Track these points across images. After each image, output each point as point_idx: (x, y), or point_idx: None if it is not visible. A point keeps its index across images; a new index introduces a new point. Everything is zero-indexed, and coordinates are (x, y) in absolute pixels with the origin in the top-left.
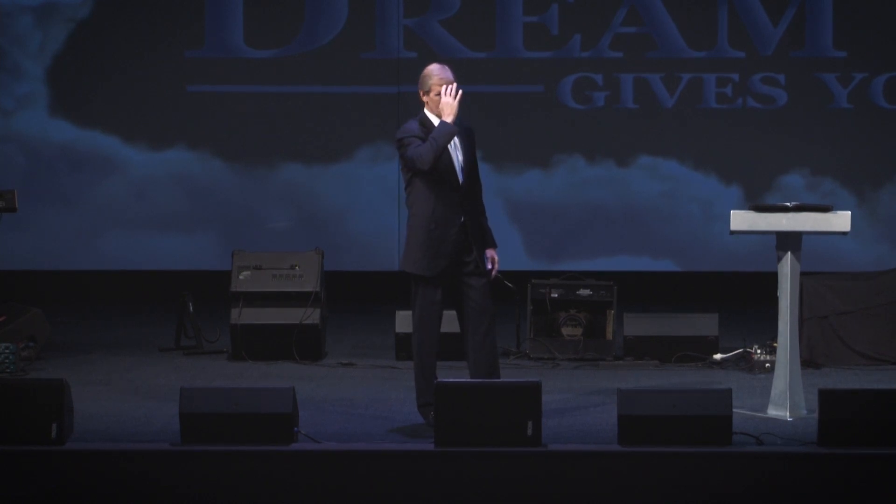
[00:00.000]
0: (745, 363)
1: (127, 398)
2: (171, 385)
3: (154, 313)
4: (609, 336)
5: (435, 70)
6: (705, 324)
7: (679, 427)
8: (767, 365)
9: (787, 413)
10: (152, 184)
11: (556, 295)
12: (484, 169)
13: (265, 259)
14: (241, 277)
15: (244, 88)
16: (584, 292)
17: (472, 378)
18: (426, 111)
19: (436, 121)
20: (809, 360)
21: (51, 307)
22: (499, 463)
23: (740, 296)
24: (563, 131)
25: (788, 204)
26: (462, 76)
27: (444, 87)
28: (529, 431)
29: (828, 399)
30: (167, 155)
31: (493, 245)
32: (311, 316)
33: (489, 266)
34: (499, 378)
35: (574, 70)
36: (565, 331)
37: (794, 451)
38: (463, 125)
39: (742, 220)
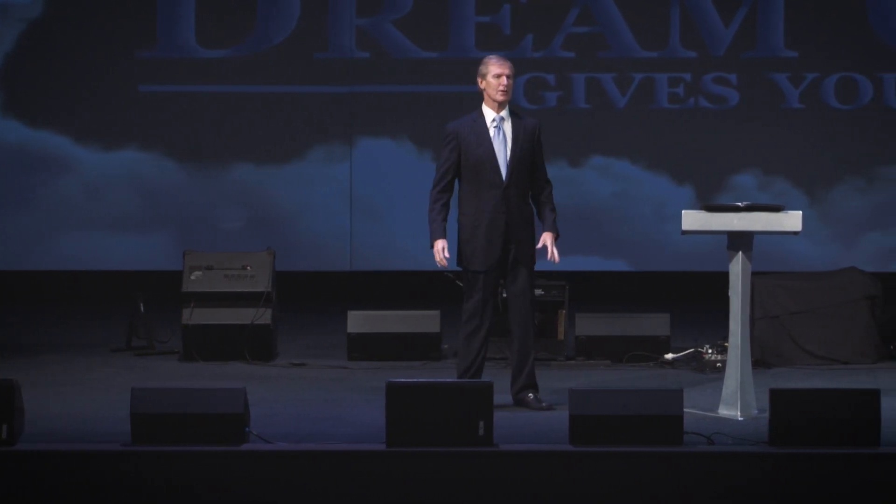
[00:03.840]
0: (696, 363)
1: (78, 399)
2: (123, 385)
3: (106, 314)
4: (561, 336)
5: (493, 57)
6: (657, 324)
7: (630, 427)
8: (718, 365)
9: (739, 413)
10: (104, 184)
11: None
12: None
13: (217, 259)
14: (192, 278)
15: (196, 88)
16: (536, 292)
17: (511, 366)
18: (483, 105)
19: (488, 114)
20: (761, 359)
21: (2, 307)
22: (450, 463)
23: (692, 296)
24: None
25: (740, 204)
26: (414, 76)
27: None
28: (481, 431)
29: (779, 399)
30: (119, 155)
31: (551, 230)
32: (263, 316)
33: (543, 245)
34: (532, 372)
35: (526, 70)
36: None
37: (745, 450)
38: (526, 118)
39: (694, 219)
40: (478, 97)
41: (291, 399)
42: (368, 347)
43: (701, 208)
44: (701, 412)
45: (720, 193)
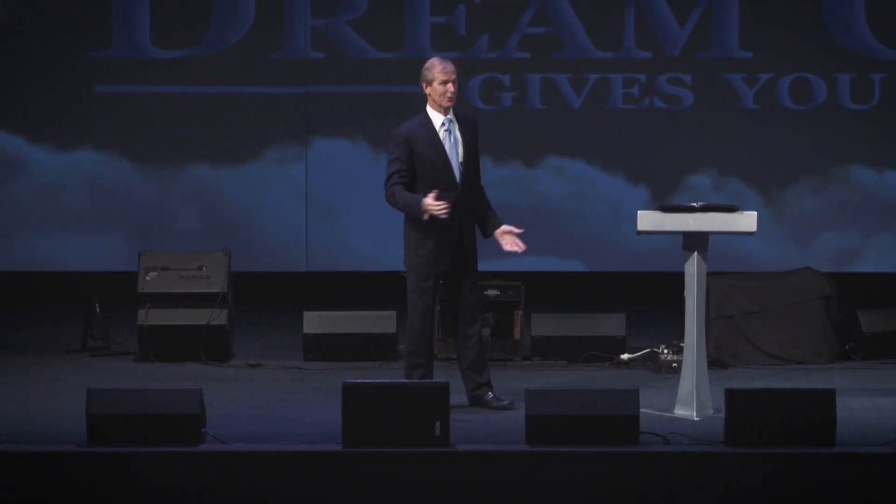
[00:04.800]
0: (652, 363)
1: (33, 400)
2: (78, 386)
3: (61, 315)
4: (517, 336)
5: (436, 62)
6: (613, 324)
7: (587, 427)
8: (674, 365)
9: (694, 413)
10: (59, 184)
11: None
12: None
13: (172, 260)
14: (147, 278)
15: (151, 89)
16: (492, 293)
17: (461, 370)
18: (428, 107)
19: (435, 118)
20: (716, 359)
21: None
22: (407, 463)
23: (647, 296)
24: None
25: (695, 204)
26: (369, 77)
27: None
28: (437, 432)
29: (734, 399)
30: (74, 156)
31: (500, 224)
32: (219, 317)
33: (514, 233)
34: (487, 370)
35: (481, 71)
36: None
37: (701, 450)
38: (467, 116)
39: (649, 220)
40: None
41: (248, 400)
42: (324, 348)
43: (656, 209)
44: (657, 412)
45: (675, 194)
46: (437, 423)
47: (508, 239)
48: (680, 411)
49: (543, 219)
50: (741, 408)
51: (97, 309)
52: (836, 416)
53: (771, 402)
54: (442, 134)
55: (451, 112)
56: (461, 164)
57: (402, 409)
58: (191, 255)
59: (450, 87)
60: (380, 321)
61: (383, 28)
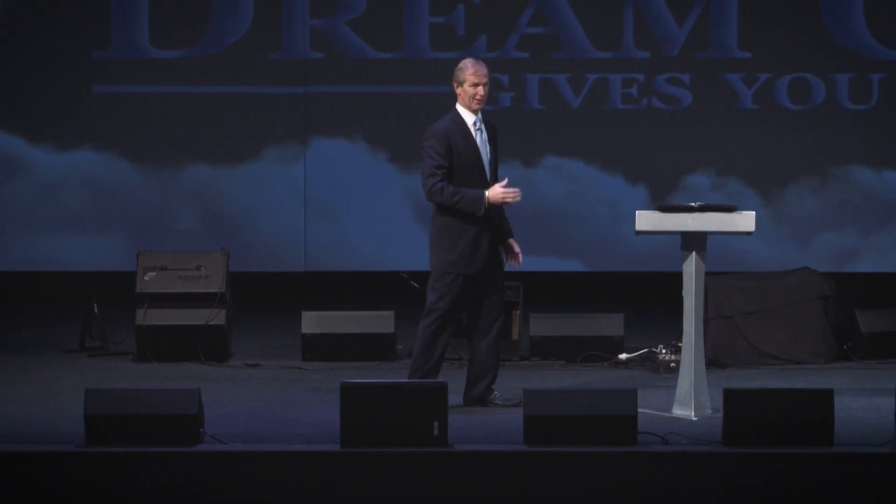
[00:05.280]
0: (650, 363)
1: (31, 400)
2: (77, 386)
3: (60, 315)
4: (515, 336)
5: (469, 64)
6: (611, 324)
7: (585, 427)
8: (672, 365)
9: (693, 413)
10: (58, 184)
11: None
12: (391, 170)
13: (171, 260)
14: (146, 278)
15: (151, 89)
16: None
17: (472, 366)
18: (458, 106)
19: (467, 116)
20: (714, 359)
21: None
22: (405, 463)
23: (646, 296)
24: None
25: (693, 204)
26: (368, 77)
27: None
28: (435, 432)
29: (732, 399)
30: (73, 156)
31: (511, 234)
32: (217, 317)
33: (515, 250)
34: (497, 367)
35: None
36: None
37: (699, 450)
38: (490, 123)
39: (648, 220)
40: (432, 97)
41: (246, 400)
42: (323, 348)
43: (655, 209)
44: (655, 412)
45: (674, 194)
46: (436, 423)
47: (512, 254)
48: (678, 411)
49: (543, 219)
50: (739, 408)
51: (95, 309)
52: (834, 416)
53: (769, 402)
54: (474, 132)
55: (479, 113)
56: (490, 163)
57: (400, 409)
58: (189, 255)
59: (480, 89)
60: (378, 321)
61: (382, 28)
